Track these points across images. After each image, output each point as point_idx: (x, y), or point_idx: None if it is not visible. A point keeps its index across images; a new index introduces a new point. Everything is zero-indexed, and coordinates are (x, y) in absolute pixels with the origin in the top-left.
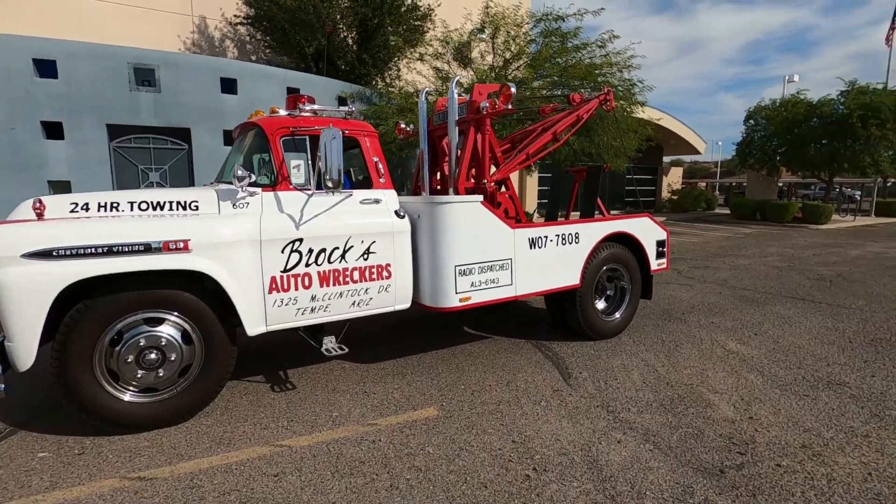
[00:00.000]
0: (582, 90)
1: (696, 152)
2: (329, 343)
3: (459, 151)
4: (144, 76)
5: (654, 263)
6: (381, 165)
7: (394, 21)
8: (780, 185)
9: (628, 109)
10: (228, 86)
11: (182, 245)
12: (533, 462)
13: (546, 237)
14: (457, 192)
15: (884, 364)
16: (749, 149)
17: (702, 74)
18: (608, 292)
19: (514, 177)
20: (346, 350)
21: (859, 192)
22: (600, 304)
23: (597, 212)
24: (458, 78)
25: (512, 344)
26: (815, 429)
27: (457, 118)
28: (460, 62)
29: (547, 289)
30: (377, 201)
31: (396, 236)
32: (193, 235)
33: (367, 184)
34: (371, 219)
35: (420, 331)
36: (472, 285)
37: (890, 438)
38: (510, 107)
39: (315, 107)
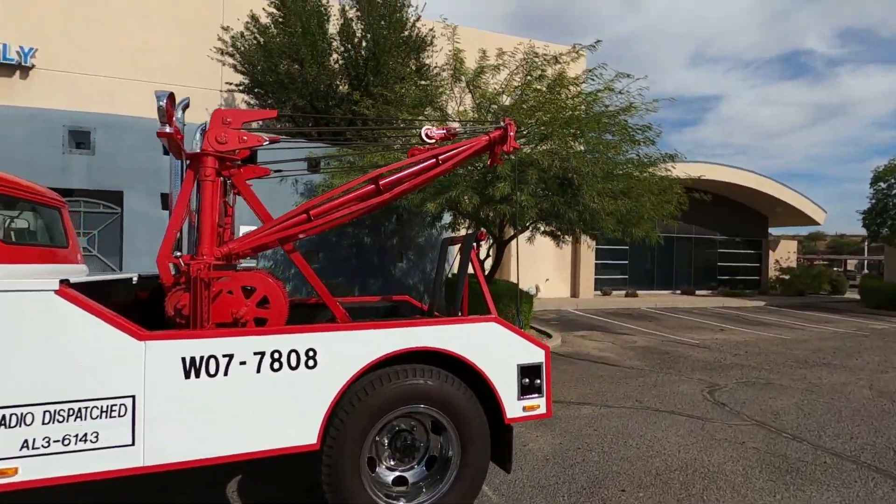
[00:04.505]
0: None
1: (814, 223)
2: None
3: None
4: (80, 138)
5: (515, 406)
6: None
7: (382, 77)
8: None
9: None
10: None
11: None
12: None
13: (230, 357)
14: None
15: None
16: (882, 217)
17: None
18: (430, 454)
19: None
20: None
21: None
22: (411, 475)
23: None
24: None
25: None
26: None
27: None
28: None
29: (232, 453)
30: None
31: None
32: None
33: None
34: None
35: None
36: (24, 447)
37: None
38: (172, 129)
39: None
